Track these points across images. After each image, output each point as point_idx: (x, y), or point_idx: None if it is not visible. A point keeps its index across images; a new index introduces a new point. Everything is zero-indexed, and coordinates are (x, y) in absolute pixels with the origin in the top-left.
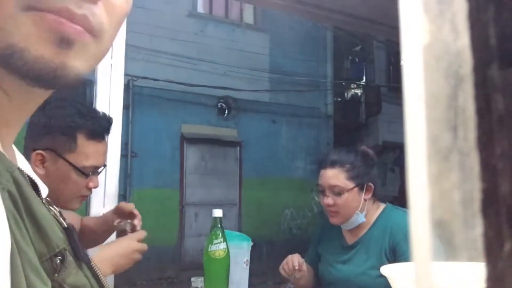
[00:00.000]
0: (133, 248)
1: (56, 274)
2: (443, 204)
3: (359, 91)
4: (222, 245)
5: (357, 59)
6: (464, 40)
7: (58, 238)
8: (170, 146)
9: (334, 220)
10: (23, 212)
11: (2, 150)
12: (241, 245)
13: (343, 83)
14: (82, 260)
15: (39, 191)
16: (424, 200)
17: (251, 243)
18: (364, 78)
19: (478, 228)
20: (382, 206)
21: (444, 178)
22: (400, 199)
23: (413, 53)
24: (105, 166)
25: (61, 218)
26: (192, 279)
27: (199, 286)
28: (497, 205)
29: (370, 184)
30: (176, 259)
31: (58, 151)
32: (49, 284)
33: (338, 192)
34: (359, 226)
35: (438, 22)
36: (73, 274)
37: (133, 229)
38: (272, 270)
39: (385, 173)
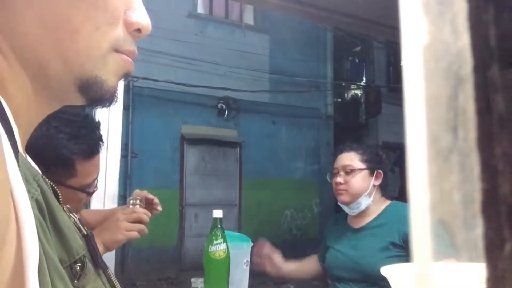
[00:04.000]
0: (118, 218)
1: (76, 281)
2: (443, 204)
3: (359, 92)
4: (222, 246)
5: (357, 60)
6: (464, 41)
7: (78, 245)
8: (170, 146)
9: (342, 198)
10: (48, 220)
11: (24, 156)
12: (241, 245)
13: (343, 84)
14: (100, 267)
15: (59, 197)
16: (424, 201)
17: (251, 244)
18: (364, 78)
19: (478, 229)
20: (388, 201)
21: (444, 178)
22: (400, 200)
23: (413, 53)
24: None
25: (80, 225)
26: (192, 279)
27: (199, 287)
28: (497, 206)
29: (380, 171)
30: (176, 260)
31: (58, 180)
32: None
33: (349, 170)
34: (365, 213)
35: (438, 23)
36: (92, 281)
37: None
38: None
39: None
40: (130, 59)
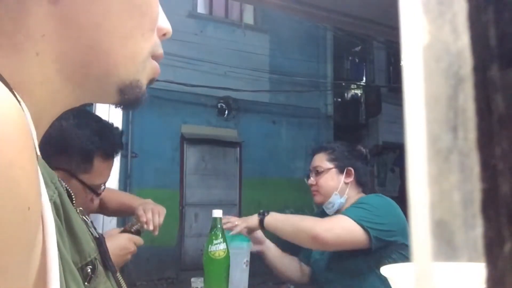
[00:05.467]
0: (128, 248)
1: (86, 283)
2: (443, 204)
3: (359, 92)
4: (222, 246)
5: (357, 60)
6: (464, 41)
7: (90, 247)
8: (170, 146)
9: (316, 199)
10: (63, 222)
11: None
12: (241, 245)
13: (343, 84)
14: (110, 270)
15: (73, 199)
16: (424, 201)
17: (251, 244)
18: (364, 78)
19: (478, 229)
20: (362, 196)
21: (444, 178)
22: (400, 199)
23: (413, 53)
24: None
25: (92, 228)
26: (192, 279)
27: (199, 287)
28: (497, 206)
29: (350, 168)
30: (176, 260)
31: (72, 171)
32: None
33: (318, 171)
34: (341, 211)
35: (438, 23)
36: (103, 283)
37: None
38: (272, 271)
39: (385, 173)
40: (157, 64)
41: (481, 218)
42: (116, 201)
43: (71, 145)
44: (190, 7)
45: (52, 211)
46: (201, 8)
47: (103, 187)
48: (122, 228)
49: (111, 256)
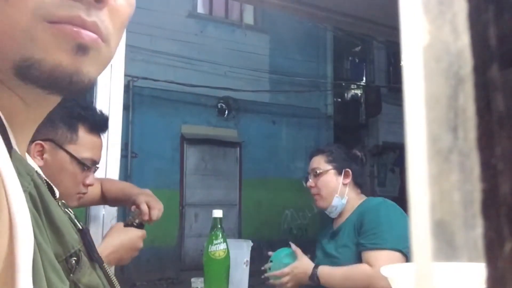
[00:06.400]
0: (138, 245)
1: (71, 274)
2: (443, 204)
3: (359, 92)
4: (222, 246)
5: (357, 60)
6: (464, 41)
7: (73, 239)
8: (170, 146)
9: (318, 204)
10: (42, 214)
11: (20, 153)
12: (241, 245)
13: (343, 84)
14: (96, 261)
15: (54, 193)
16: (424, 201)
17: (251, 244)
18: (364, 78)
19: (478, 229)
20: (364, 198)
21: (444, 178)
22: (400, 200)
23: (413, 53)
24: (98, 167)
25: (75, 220)
26: (192, 279)
27: (199, 287)
28: (497, 206)
29: (348, 169)
30: (176, 260)
31: (58, 141)
32: (67, 283)
33: (317, 173)
34: (343, 214)
35: (438, 23)
36: (87, 274)
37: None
38: None
39: (385, 174)
40: (74, 27)
41: (481, 218)
42: (116, 189)
43: (55, 113)
44: (190, 7)
45: (28, 201)
46: (201, 8)
47: (94, 167)
48: (124, 222)
49: (124, 250)
